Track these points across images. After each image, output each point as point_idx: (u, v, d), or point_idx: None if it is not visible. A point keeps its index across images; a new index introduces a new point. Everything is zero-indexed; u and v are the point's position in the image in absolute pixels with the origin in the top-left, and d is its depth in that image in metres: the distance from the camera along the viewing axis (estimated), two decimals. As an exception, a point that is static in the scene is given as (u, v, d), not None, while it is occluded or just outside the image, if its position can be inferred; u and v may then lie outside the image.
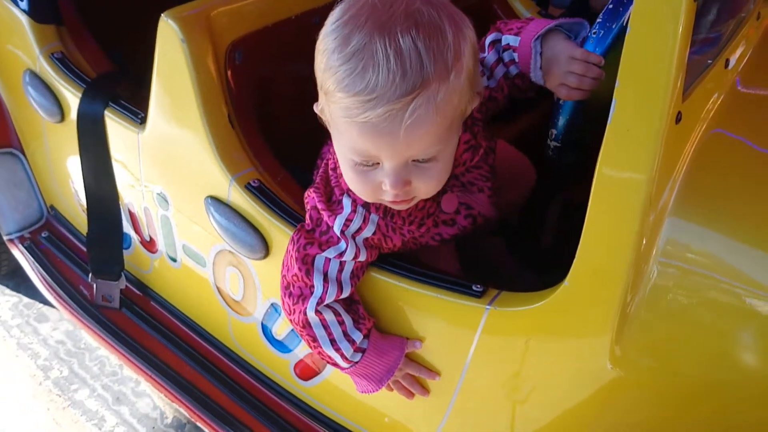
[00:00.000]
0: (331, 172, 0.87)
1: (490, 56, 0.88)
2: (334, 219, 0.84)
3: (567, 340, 0.83)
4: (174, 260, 1.21)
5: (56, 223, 1.51)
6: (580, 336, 0.82)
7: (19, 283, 1.70)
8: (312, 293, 0.85)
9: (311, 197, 0.87)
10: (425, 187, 0.79)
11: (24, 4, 1.29)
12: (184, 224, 1.14)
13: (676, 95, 0.65)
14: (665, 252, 0.77)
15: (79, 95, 1.22)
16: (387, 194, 0.78)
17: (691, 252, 0.77)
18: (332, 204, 0.85)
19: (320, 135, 1.24)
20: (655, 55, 0.62)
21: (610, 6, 0.80)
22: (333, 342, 0.88)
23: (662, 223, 0.77)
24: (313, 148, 1.23)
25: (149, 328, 1.31)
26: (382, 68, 0.67)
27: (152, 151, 1.14)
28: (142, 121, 1.14)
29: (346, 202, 0.84)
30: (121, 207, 1.27)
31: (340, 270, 0.85)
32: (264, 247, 0.99)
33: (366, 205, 0.84)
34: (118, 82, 1.24)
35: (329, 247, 0.84)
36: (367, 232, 0.85)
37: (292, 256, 0.86)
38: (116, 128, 1.18)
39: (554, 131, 0.85)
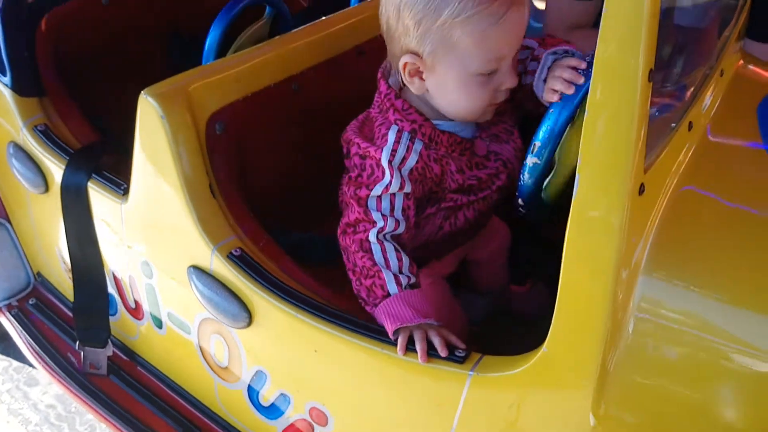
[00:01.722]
0: (377, 115, 0.99)
1: None
2: (381, 151, 0.94)
3: (551, 401, 0.83)
4: (160, 327, 1.21)
5: (43, 289, 1.51)
6: (563, 397, 0.82)
7: (8, 346, 1.69)
8: (375, 226, 0.94)
9: (354, 143, 0.97)
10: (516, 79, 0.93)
11: (7, 79, 1.32)
12: (169, 293, 1.14)
13: (637, 169, 0.66)
14: (640, 309, 0.78)
15: (63, 167, 1.23)
16: (501, 94, 0.93)
17: (665, 309, 0.78)
18: (377, 140, 0.97)
19: (303, 193, 1.27)
20: (613, 135, 0.63)
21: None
22: (388, 268, 0.93)
23: (635, 282, 0.78)
24: (295, 207, 1.25)
25: (137, 395, 1.30)
26: None
27: (135, 222, 1.15)
28: (124, 192, 1.15)
29: (391, 135, 0.95)
30: (106, 274, 1.27)
31: (392, 208, 0.94)
32: (247, 317, 1.00)
33: (412, 132, 0.95)
34: (101, 153, 1.26)
35: (375, 184, 0.94)
36: (411, 161, 0.95)
37: (349, 202, 0.96)
38: (99, 199, 1.19)
39: (520, 199, 0.87)
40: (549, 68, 0.89)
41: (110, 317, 1.32)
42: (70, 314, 1.40)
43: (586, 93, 0.80)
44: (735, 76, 1.10)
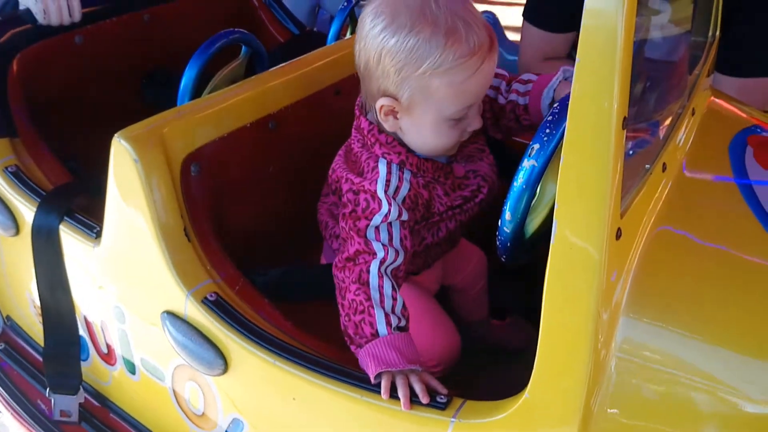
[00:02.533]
0: (360, 150, 1.03)
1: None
2: (375, 184, 0.98)
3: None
4: (133, 373, 1.18)
5: (13, 333, 1.46)
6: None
7: (-24, 393, 1.63)
8: (375, 257, 0.95)
9: (347, 179, 1.01)
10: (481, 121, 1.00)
11: (-23, 121, 1.29)
12: (142, 338, 1.11)
13: (614, 214, 0.66)
14: (622, 350, 0.78)
15: (34, 209, 1.21)
16: (467, 134, 0.99)
17: (647, 349, 0.78)
18: (367, 174, 1.00)
19: (281, 230, 1.26)
20: (588, 182, 0.63)
21: (549, 117, 0.82)
22: (381, 306, 0.93)
23: (617, 323, 0.78)
24: (273, 245, 1.24)
25: (110, 443, 1.25)
26: (472, 31, 0.90)
27: (108, 266, 1.12)
28: (97, 235, 1.13)
29: (381, 167, 0.99)
30: (78, 320, 1.24)
31: (390, 238, 0.96)
32: (222, 364, 0.97)
33: (401, 164, 0.99)
34: (73, 195, 1.23)
35: (374, 215, 0.96)
36: (404, 190, 0.99)
37: (348, 235, 0.98)
38: (71, 242, 1.17)
39: (501, 250, 0.86)
40: (561, 81, 1.01)
41: (82, 362, 1.28)
42: (41, 359, 1.36)
43: (555, 148, 0.81)
44: (706, 113, 1.12)
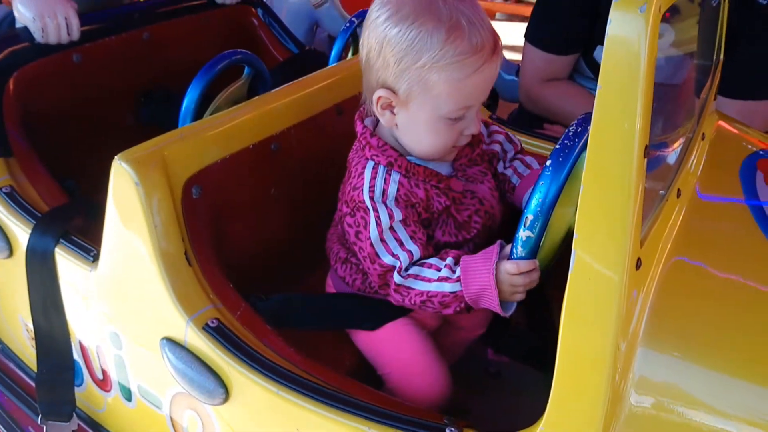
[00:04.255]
0: (353, 156, 1.03)
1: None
2: (361, 192, 0.97)
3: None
4: (129, 400, 1.14)
5: (4, 358, 1.42)
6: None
7: (-36, 419, 1.59)
8: (393, 269, 0.94)
9: (343, 203, 1.01)
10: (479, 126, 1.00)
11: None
12: (139, 365, 1.08)
13: (634, 244, 0.65)
14: (640, 381, 0.76)
15: (28, 231, 1.18)
16: (464, 138, 0.98)
17: (664, 382, 0.77)
18: (354, 179, 0.99)
19: (283, 253, 1.23)
20: (610, 211, 0.62)
21: (566, 141, 0.81)
22: (430, 282, 0.93)
23: (634, 354, 0.76)
24: (275, 269, 1.21)
25: (103, 472, 1.22)
26: (476, 30, 0.89)
27: (105, 290, 1.09)
28: (94, 258, 1.10)
29: (367, 171, 0.98)
30: (72, 344, 1.21)
31: (400, 242, 0.94)
32: (223, 393, 0.94)
33: (389, 165, 0.98)
34: (70, 216, 1.20)
35: (367, 228, 0.94)
36: (392, 190, 0.97)
37: (364, 263, 0.98)
38: (67, 265, 1.13)
39: None
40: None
41: (76, 388, 1.24)
42: (32, 385, 1.32)
43: (574, 164, 0.79)
44: (714, 137, 1.11)
